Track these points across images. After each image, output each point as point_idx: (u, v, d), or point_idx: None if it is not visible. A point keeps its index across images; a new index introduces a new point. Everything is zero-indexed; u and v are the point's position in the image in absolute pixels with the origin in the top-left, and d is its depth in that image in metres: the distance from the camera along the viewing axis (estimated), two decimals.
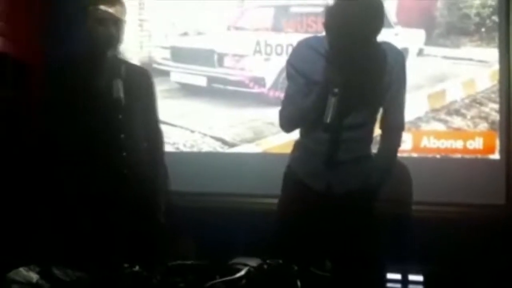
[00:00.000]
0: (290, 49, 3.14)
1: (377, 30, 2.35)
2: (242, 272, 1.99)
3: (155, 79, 3.06)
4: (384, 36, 2.42)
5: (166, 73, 4.05)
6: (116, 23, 2.74)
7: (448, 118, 3.64)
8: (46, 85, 3.03)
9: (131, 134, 2.84)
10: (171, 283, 1.97)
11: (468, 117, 3.61)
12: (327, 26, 2.39)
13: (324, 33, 2.43)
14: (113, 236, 2.78)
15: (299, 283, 1.96)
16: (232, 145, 3.96)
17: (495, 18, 3.55)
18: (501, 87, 3.54)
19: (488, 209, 3.47)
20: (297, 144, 2.67)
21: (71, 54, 3.21)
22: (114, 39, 2.75)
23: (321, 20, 3.31)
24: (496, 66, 3.55)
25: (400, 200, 3.14)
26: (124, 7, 2.79)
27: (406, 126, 2.66)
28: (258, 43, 3.88)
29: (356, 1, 2.32)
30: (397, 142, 2.61)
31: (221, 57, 3.96)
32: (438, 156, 3.65)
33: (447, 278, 3.25)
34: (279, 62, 3.75)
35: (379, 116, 2.60)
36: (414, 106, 3.53)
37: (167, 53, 4.07)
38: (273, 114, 2.86)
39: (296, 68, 2.52)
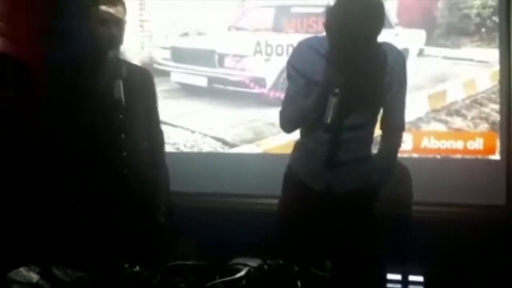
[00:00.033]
0: (290, 50, 3.15)
1: (377, 31, 2.35)
2: (242, 273, 1.99)
3: (155, 79, 3.06)
4: (384, 36, 2.42)
5: (166, 74, 4.05)
6: (118, 23, 2.73)
7: (448, 118, 3.64)
8: (47, 85, 3.03)
9: (131, 134, 2.84)
10: (171, 283, 1.97)
11: (469, 117, 3.61)
12: (327, 26, 2.39)
13: (324, 34, 2.43)
14: (113, 236, 2.77)
15: (299, 284, 1.96)
16: (232, 145, 3.96)
17: (495, 18, 3.55)
18: (501, 88, 3.54)
19: (489, 210, 3.47)
20: (298, 145, 2.67)
21: (72, 54, 3.21)
22: (115, 39, 2.75)
23: (321, 20, 3.31)
24: (496, 67, 3.55)
25: (401, 200, 3.13)
26: (125, 7, 2.78)
27: (407, 126, 2.65)
28: (258, 44, 3.88)
29: (356, 1, 2.32)
30: (397, 142, 2.61)
31: (221, 57, 3.97)
32: (438, 156, 3.65)
33: (448, 278, 3.25)
34: (280, 63, 3.75)
35: (379, 117, 2.60)
36: (414, 106, 3.53)
37: (167, 54, 4.07)
38: (273, 114, 2.85)
39: (296, 68, 2.52)
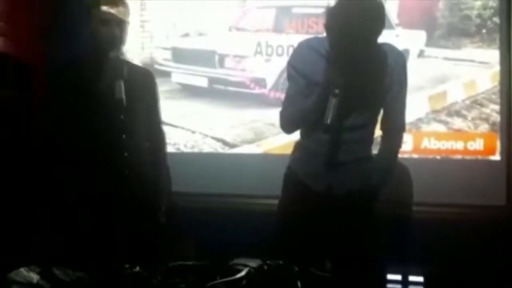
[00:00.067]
0: (291, 50, 3.15)
1: (378, 31, 2.35)
2: (243, 273, 1.99)
3: (156, 80, 3.06)
4: (385, 37, 2.42)
5: (167, 74, 4.05)
6: (119, 24, 2.73)
7: (448, 119, 3.64)
8: (48, 85, 3.02)
9: (132, 135, 2.84)
10: (171, 284, 1.97)
11: (469, 118, 3.61)
12: (328, 27, 2.39)
13: (325, 34, 2.43)
14: (113, 236, 2.77)
15: (299, 284, 1.96)
16: (232, 146, 3.97)
17: (496, 19, 3.55)
18: (501, 88, 3.54)
19: (489, 210, 3.47)
20: (298, 145, 2.67)
21: (72, 54, 3.21)
22: (117, 40, 2.74)
23: (322, 21, 3.31)
24: (497, 68, 3.55)
25: (401, 201, 3.14)
26: (127, 8, 2.77)
27: (407, 127, 2.66)
28: (259, 44, 3.88)
29: (357, 2, 2.32)
30: (397, 143, 2.61)
31: (222, 58, 3.97)
32: (438, 157, 3.65)
33: (448, 279, 3.24)
34: (280, 63, 3.75)
35: (379, 117, 2.60)
36: (414, 107, 3.53)
37: (168, 54, 4.08)
38: (273, 115, 2.86)
39: (296, 69, 2.52)
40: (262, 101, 3.88)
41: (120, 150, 2.81)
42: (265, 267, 2.01)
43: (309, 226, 2.52)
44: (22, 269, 2.02)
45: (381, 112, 2.58)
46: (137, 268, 2.01)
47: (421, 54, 3.67)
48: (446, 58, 3.64)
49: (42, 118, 3.01)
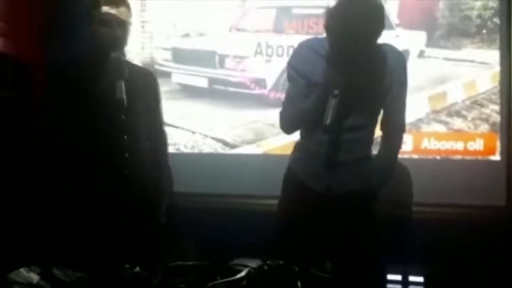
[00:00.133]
0: (291, 51, 3.15)
1: (378, 32, 2.35)
2: (243, 273, 1.99)
3: None
4: (385, 37, 2.42)
5: (167, 74, 4.05)
6: (121, 24, 2.72)
7: (448, 119, 3.64)
8: (48, 85, 3.02)
9: (133, 135, 2.84)
10: (171, 284, 1.97)
11: (469, 118, 3.61)
12: (327, 27, 2.39)
13: (325, 35, 2.43)
14: (113, 236, 2.77)
15: (299, 284, 1.97)
16: (233, 146, 3.97)
17: (496, 20, 3.55)
18: (502, 89, 3.54)
19: (489, 211, 3.47)
20: (298, 145, 2.68)
21: (72, 54, 3.21)
22: (118, 41, 2.73)
23: (322, 21, 3.31)
24: (497, 68, 3.55)
25: (401, 201, 3.14)
26: (129, 8, 2.76)
27: (407, 127, 2.66)
28: (259, 45, 3.88)
29: (357, 2, 2.32)
30: (397, 143, 2.61)
31: (222, 58, 3.97)
32: (438, 157, 3.65)
33: (448, 279, 3.25)
34: (280, 64, 3.75)
35: (379, 118, 2.60)
36: (414, 107, 3.53)
37: (168, 55, 4.08)
38: (273, 115, 2.86)
39: (296, 69, 2.52)
40: (262, 101, 3.88)
41: (121, 150, 2.81)
42: (265, 267, 2.01)
43: (309, 226, 2.52)
44: (22, 270, 2.02)
45: (381, 112, 2.58)
46: (137, 268, 2.01)
47: (421, 54, 3.66)
48: (446, 59, 3.64)
49: (42, 118, 3.01)
